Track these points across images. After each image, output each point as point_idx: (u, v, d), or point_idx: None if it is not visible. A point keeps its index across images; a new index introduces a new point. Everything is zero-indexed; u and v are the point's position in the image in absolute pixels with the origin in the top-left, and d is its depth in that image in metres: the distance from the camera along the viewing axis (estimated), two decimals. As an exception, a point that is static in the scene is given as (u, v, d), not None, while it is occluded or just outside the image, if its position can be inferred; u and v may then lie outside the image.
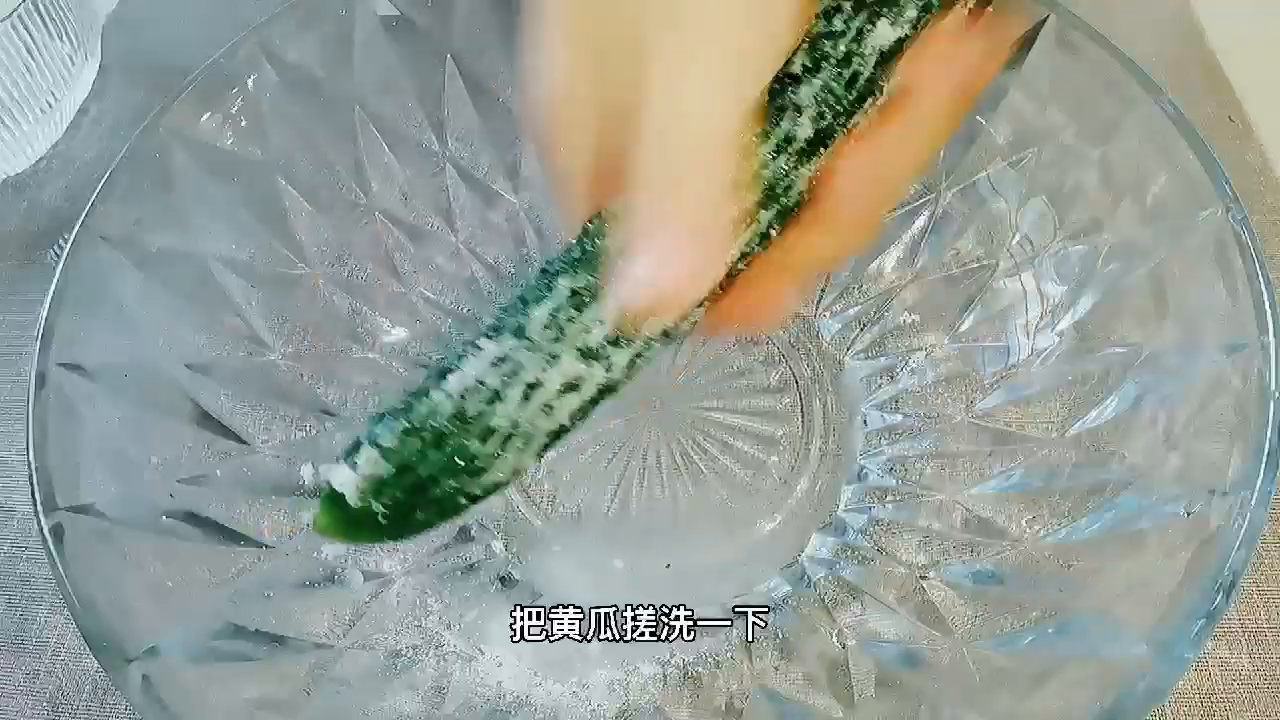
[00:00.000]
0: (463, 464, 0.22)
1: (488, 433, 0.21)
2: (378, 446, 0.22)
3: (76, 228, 0.29)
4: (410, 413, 0.22)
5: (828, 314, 0.39)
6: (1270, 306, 0.27)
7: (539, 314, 0.21)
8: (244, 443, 0.33)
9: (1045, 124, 0.33)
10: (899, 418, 0.37)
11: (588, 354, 0.21)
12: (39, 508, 0.26)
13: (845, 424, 0.37)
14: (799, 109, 0.21)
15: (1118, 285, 0.32)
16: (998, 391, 0.35)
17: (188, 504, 0.30)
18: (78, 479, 0.27)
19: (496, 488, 0.23)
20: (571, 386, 0.22)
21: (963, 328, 0.37)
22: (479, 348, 0.22)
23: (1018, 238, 0.35)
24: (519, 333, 0.21)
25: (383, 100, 0.36)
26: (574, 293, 0.21)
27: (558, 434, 0.22)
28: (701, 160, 0.20)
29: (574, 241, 0.22)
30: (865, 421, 0.37)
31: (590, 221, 0.22)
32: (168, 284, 0.32)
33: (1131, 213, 0.31)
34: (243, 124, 0.33)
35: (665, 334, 0.22)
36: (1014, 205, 0.35)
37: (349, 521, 0.22)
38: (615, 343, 0.21)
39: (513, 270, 0.40)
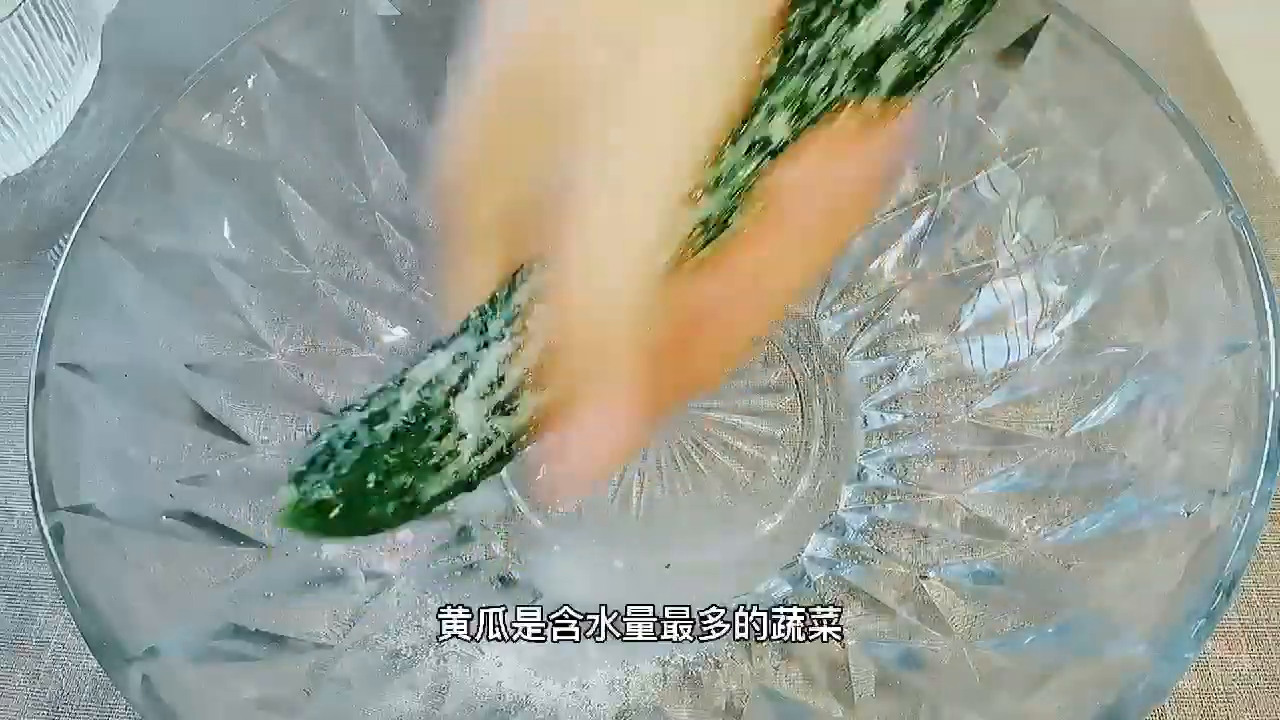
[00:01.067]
0: (418, 461, 0.22)
1: (445, 427, 0.21)
2: (333, 442, 0.22)
3: (76, 228, 0.29)
4: (369, 407, 0.22)
5: (828, 314, 0.39)
6: (1270, 306, 0.27)
7: (498, 319, 0.21)
8: (244, 443, 0.33)
9: (1045, 124, 0.33)
10: (899, 418, 0.37)
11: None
12: (39, 508, 0.26)
13: (845, 424, 0.37)
14: (771, 111, 0.20)
15: (1118, 285, 0.32)
16: (998, 391, 0.35)
17: (188, 504, 0.30)
18: (78, 479, 0.27)
19: (454, 490, 0.23)
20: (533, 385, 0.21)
21: (963, 328, 0.37)
22: (439, 349, 0.22)
23: (1018, 238, 0.35)
24: (480, 332, 0.22)
25: (383, 100, 0.36)
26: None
27: (520, 436, 0.22)
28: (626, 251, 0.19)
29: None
30: (865, 421, 0.37)
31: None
32: (168, 284, 0.32)
33: (1131, 213, 0.31)
34: (243, 124, 0.33)
35: None
36: (1014, 205, 0.35)
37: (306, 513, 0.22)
38: None
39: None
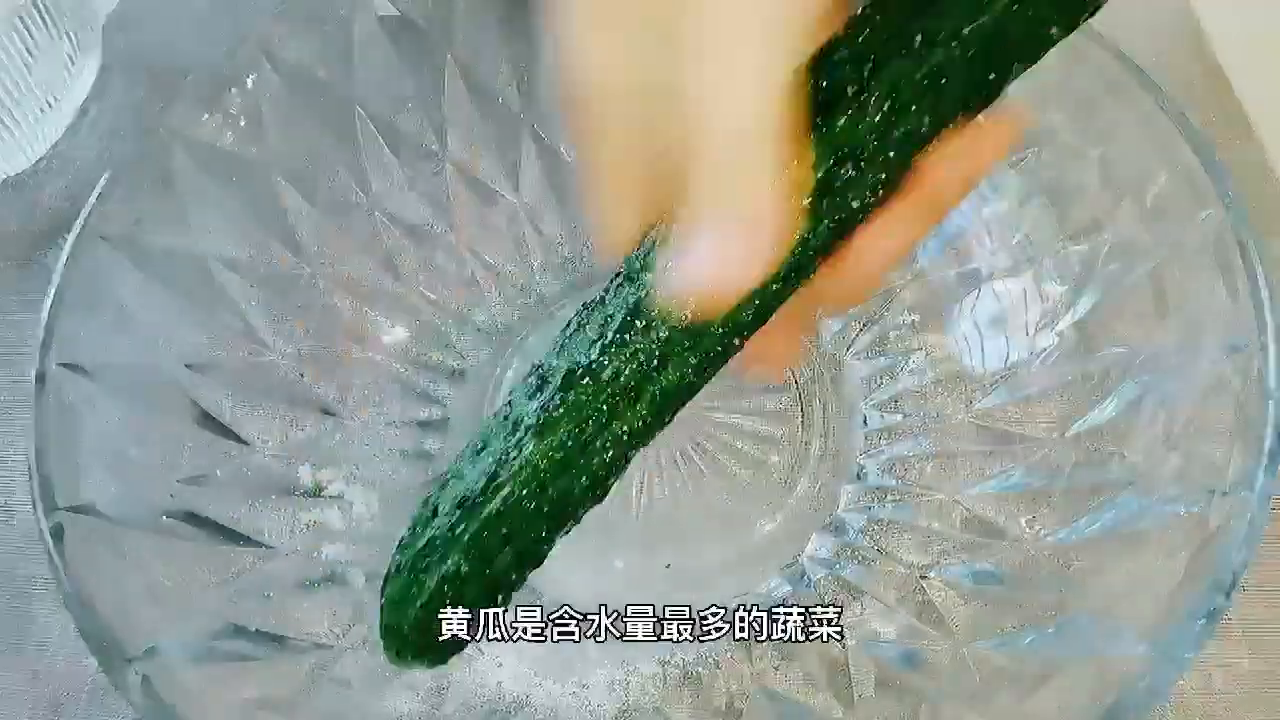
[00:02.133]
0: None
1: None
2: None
3: (76, 228, 0.29)
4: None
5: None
6: (1270, 306, 0.27)
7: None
8: (244, 443, 0.33)
9: (1045, 124, 0.33)
10: (899, 418, 0.37)
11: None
12: (39, 508, 0.26)
13: (845, 424, 0.37)
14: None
15: (1118, 285, 0.32)
16: (998, 391, 0.35)
17: (188, 504, 0.30)
18: (78, 479, 0.27)
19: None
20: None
21: (963, 328, 0.37)
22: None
23: (1018, 238, 0.35)
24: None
25: (383, 100, 0.36)
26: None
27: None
28: (742, 142, 0.19)
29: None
30: (865, 421, 0.37)
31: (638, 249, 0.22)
32: (168, 284, 0.32)
33: (1131, 213, 0.31)
34: (243, 124, 0.33)
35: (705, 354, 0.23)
36: (1014, 205, 0.35)
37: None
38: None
39: (513, 270, 0.40)
